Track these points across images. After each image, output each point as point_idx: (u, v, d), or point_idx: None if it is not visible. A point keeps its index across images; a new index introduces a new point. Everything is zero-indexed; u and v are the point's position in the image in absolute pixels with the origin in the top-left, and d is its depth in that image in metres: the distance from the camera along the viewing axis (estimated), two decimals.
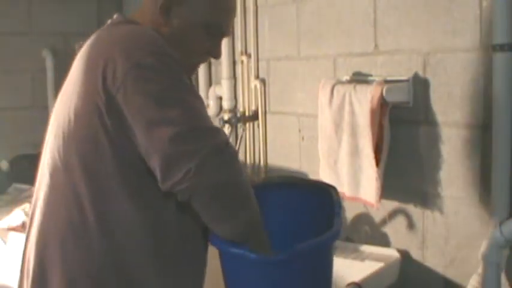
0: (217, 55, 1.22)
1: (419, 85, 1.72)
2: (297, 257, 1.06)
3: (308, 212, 1.30)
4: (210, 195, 1.02)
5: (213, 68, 2.69)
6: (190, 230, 1.13)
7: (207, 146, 0.99)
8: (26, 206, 2.13)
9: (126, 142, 1.02)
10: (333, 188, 1.28)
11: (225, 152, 1.01)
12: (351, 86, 1.80)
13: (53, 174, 1.09)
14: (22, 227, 2.08)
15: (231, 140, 2.48)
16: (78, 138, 1.06)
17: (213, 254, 1.16)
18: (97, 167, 1.04)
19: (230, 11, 1.21)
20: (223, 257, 1.13)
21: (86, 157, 1.05)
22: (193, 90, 1.09)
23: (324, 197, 1.25)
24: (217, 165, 0.99)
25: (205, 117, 1.05)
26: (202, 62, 1.26)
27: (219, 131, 1.04)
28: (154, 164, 1.00)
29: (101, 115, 1.02)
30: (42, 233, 1.10)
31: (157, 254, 1.08)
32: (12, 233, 2.09)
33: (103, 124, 1.02)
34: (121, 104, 1.01)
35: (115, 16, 1.20)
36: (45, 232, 1.09)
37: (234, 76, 2.52)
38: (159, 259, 1.08)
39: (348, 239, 1.99)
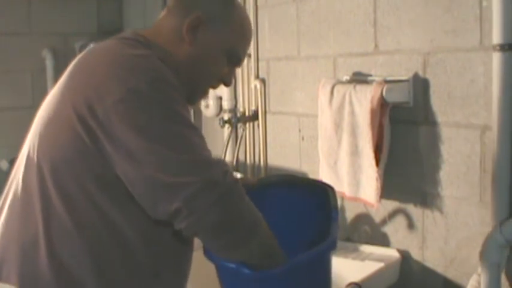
0: (229, 83, 1.23)
1: (419, 85, 1.72)
2: (293, 271, 1.05)
3: (307, 211, 1.30)
4: (212, 234, 0.99)
5: None
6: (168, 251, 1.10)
7: (198, 181, 0.94)
8: None
9: (98, 161, 0.99)
10: (331, 188, 1.27)
11: (220, 185, 0.96)
12: (351, 86, 1.80)
13: (25, 179, 1.06)
14: None
15: (231, 140, 2.49)
16: (51, 144, 1.04)
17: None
18: (67, 178, 1.01)
19: (249, 42, 1.23)
20: (219, 271, 1.12)
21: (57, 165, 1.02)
22: (189, 121, 1.03)
23: (323, 196, 1.25)
24: (213, 203, 0.95)
25: (199, 149, 1.00)
26: (214, 87, 1.24)
27: (214, 164, 0.99)
28: (140, 193, 0.98)
29: (78, 132, 0.99)
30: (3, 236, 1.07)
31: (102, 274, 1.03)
32: None
33: (79, 140, 0.99)
34: (106, 127, 0.97)
35: (128, 31, 1.17)
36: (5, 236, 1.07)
37: (234, 76, 2.52)
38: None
39: (348, 239, 1.99)
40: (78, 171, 1.01)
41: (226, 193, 0.97)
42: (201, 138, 1.04)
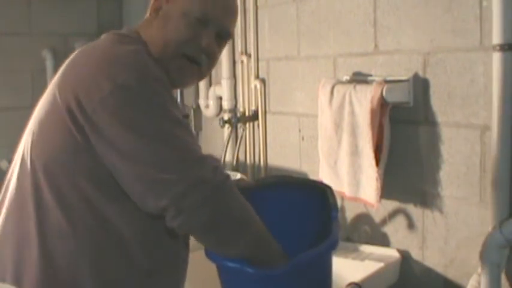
0: (202, 44, 1.14)
1: (419, 85, 1.72)
2: (295, 270, 1.05)
3: (306, 211, 1.30)
4: (204, 232, 1.00)
5: None
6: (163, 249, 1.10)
7: (187, 178, 0.95)
8: None
9: (90, 157, 0.99)
10: (329, 188, 1.27)
11: (209, 183, 0.97)
12: (351, 86, 1.80)
13: (20, 178, 1.07)
14: None
15: (231, 140, 2.49)
16: (45, 144, 1.04)
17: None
18: (60, 178, 1.01)
19: (215, 2, 1.16)
20: (221, 271, 1.12)
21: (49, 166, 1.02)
22: (177, 118, 1.02)
23: (321, 196, 1.25)
24: (202, 201, 0.95)
25: (188, 145, 1.00)
26: (194, 54, 1.15)
27: (203, 161, 0.99)
28: (129, 188, 0.99)
29: (70, 129, 0.99)
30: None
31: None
32: None
33: (70, 137, 0.99)
34: (94, 122, 0.97)
35: (124, 29, 1.19)
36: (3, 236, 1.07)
37: (234, 76, 2.52)
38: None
39: (348, 239, 1.99)
40: (71, 169, 1.01)
41: (216, 191, 0.97)
42: (190, 134, 1.04)
